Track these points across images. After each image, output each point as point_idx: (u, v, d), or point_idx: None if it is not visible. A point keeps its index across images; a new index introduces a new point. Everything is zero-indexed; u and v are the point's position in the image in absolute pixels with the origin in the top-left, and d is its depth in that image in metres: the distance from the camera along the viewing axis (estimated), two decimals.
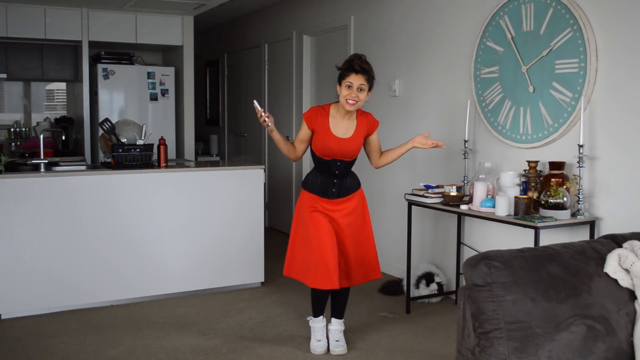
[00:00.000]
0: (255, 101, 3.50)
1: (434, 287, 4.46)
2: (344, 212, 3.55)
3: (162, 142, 4.79)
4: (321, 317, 3.69)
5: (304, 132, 3.55)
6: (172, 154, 6.66)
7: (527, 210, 3.55)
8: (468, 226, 4.49)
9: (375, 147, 3.67)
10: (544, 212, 3.50)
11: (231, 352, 3.63)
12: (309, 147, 3.63)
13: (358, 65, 3.40)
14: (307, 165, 6.39)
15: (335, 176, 3.54)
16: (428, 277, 4.50)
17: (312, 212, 3.53)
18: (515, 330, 1.98)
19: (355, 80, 3.39)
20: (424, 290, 4.46)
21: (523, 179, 3.74)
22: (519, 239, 3.92)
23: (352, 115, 3.54)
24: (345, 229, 3.54)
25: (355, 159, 3.61)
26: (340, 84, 3.45)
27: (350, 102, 3.40)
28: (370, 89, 3.46)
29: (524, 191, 3.70)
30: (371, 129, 3.59)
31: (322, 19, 6.18)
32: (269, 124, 3.42)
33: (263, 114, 3.40)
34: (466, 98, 4.38)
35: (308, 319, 3.76)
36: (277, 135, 3.48)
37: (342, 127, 3.51)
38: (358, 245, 3.60)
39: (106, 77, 6.47)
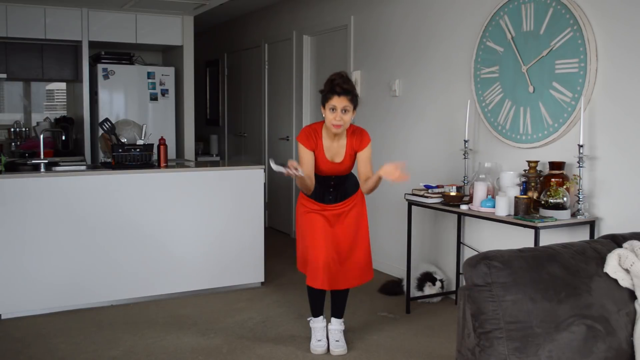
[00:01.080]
0: (272, 164, 3.17)
1: (438, 284, 4.46)
2: (341, 214, 3.56)
3: (162, 142, 4.79)
4: (321, 317, 3.70)
5: (308, 155, 3.43)
6: (172, 154, 6.66)
7: (527, 210, 3.55)
8: (468, 226, 4.49)
9: (361, 165, 3.48)
10: (544, 212, 3.50)
11: (231, 352, 3.63)
12: None
13: (339, 87, 3.31)
14: None
15: (331, 186, 3.57)
16: (428, 277, 4.49)
17: (309, 212, 3.55)
18: (515, 330, 1.98)
19: (339, 102, 3.31)
20: (429, 290, 4.45)
21: (523, 179, 3.74)
22: (519, 239, 3.92)
23: (342, 135, 3.48)
24: (342, 229, 3.54)
25: (350, 171, 3.63)
26: (324, 106, 3.38)
27: (336, 124, 3.33)
28: (355, 108, 3.39)
29: (524, 191, 3.70)
30: (360, 147, 3.47)
31: (322, 19, 6.18)
32: (299, 171, 3.22)
33: (290, 171, 3.17)
34: (466, 98, 4.38)
35: (308, 319, 3.77)
36: (307, 178, 3.34)
37: (332, 149, 3.47)
38: (354, 246, 3.60)
39: (106, 77, 6.47)
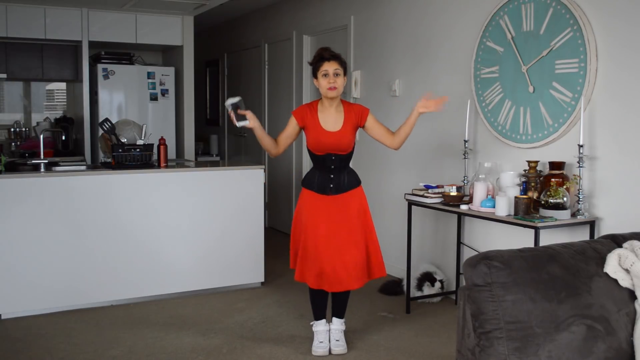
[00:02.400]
0: (227, 103, 3.45)
1: (438, 285, 4.46)
2: (344, 210, 3.54)
3: (162, 142, 4.79)
4: (323, 320, 3.69)
5: (292, 128, 3.60)
6: (172, 154, 6.66)
7: (527, 210, 3.55)
8: (468, 226, 4.49)
9: (380, 131, 3.59)
10: (544, 212, 3.50)
11: (231, 352, 3.63)
12: (306, 147, 3.65)
13: (327, 53, 3.52)
14: (307, 165, 6.39)
15: (331, 171, 3.55)
16: (428, 277, 4.50)
17: (311, 212, 3.54)
18: (515, 330, 1.98)
19: (330, 66, 3.48)
20: (428, 290, 4.45)
21: (523, 179, 3.74)
22: (519, 239, 3.92)
23: (338, 107, 3.57)
24: (346, 227, 3.53)
25: (350, 154, 3.60)
26: (316, 77, 3.53)
27: (331, 87, 3.47)
28: (345, 73, 3.54)
29: (524, 191, 3.70)
30: (362, 119, 3.57)
31: (322, 19, 6.18)
32: (251, 123, 3.48)
33: (232, 115, 3.44)
34: (466, 98, 4.38)
35: (311, 324, 3.76)
36: (260, 132, 3.56)
37: (330, 120, 3.54)
38: (360, 244, 3.57)
39: (106, 77, 6.47)
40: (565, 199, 3.49)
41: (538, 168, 3.71)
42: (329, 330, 3.69)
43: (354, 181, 3.62)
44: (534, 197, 3.63)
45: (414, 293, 4.48)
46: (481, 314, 2.00)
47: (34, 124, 7.19)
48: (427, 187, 4.26)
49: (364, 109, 3.61)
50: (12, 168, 4.63)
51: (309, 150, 3.62)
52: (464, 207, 3.91)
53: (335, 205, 3.54)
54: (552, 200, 3.50)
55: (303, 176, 3.84)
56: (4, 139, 6.92)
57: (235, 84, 8.28)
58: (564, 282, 2.10)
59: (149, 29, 6.61)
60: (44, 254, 4.24)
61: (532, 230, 3.44)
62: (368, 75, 5.54)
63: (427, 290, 4.46)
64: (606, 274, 2.20)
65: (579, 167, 3.51)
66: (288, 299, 4.60)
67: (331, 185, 3.55)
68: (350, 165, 3.66)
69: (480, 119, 4.32)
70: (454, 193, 4.02)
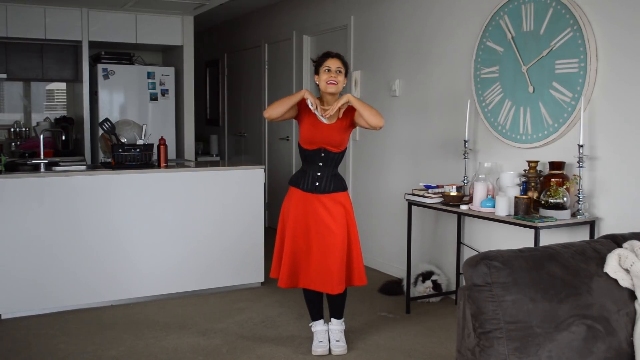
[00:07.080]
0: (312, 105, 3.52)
1: (429, 284, 4.46)
2: (329, 212, 3.53)
3: (162, 142, 4.79)
4: (321, 320, 3.70)
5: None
6: (172, 154, 6.66)
7: (527, 210, 3.55)
8: (468, 226, 4.49)
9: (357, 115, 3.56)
10: (544, 212, 3.50)
11: (231, 352, 3.63)
12: (298, 145, 3.64)
13: (333, 51, 3.60)
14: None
15: (319, 169, 3.54)
16: (427, 275, 4.51)
17: (297, 211, 3.55)
18: (515, 330, 1.98)
19: (333, 63, 3.52)
20: (420, 286, 4.46)
21: (523, 179, 3.74)
22: (519, 239, 3.92)
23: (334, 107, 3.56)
24: (330, 230, 3.51)
25: (341, 155, 3.59)
26: (318, 72, 3.56)
27: (331, 82, 3.49)
28: (346, 74, 3.57)
29: (524, 191, 3.70)
30: (350, 113, 3.55)
31: (322, 19, 6.18)
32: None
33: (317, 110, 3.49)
34: (466, 98, 4.38)
35: (310, 325, 3.76)
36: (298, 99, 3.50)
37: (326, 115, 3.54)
38: (344, 249, 3.54)
39: (106, 77, 6.47)
40: (565, 199, 3.49)
41: (538, 168, 3.71)
42: (328, 330, 3.69)
43: (341, 185, 3.60)
44: (534, 197, 3.63)
45: (414, 293, 4.48)
46: (481, 314, 2.00)
47: (34, 124, 7.19)
48: (427, 187, 4.26)
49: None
50: (12, 168, 4.63)
51: (299, 147, 3.61)
52: (464, 207, 3.91)
53: (321, 206, 3.53)
54: (552, 200, 3.50)
55: None
56: (4, 139, 6.92)
57: (235, 84, 8.29)
58: (564, 282, 2.10)
59: (149, 29, 6.61)
60: (44, 254, 4.24)
61: (532, 230, 3.44)
62: (368, 75, 5.54)
63: (419, 286, 4.46)
64: (606, 274, 2.20)
65: (579, 167, 3.51)
66: (288, 299, 4.60)
67: (317, 184, 3.54)
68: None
69: (480, 119, 4.32)
70: (454, 193, 4.02)
